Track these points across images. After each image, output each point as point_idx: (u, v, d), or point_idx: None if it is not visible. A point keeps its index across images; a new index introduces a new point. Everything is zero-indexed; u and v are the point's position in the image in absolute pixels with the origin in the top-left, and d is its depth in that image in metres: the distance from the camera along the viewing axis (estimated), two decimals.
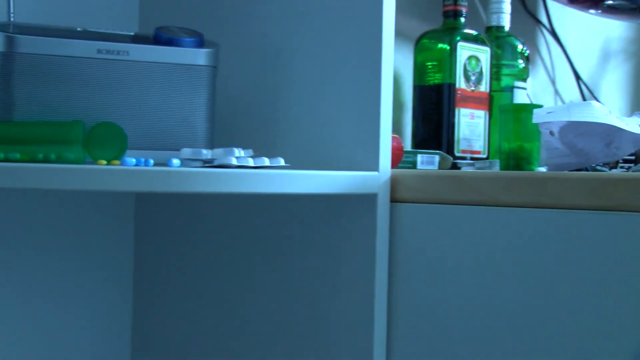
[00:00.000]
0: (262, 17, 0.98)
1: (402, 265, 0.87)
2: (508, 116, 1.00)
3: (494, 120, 1.20)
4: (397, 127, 1.30)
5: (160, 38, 0.89)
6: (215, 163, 0.80)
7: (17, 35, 0.83)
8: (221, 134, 0.99)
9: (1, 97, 0.83)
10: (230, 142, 0.99)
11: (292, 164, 0.93)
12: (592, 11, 1.45)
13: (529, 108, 0.99)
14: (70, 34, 0.85)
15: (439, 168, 1.06)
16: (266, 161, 0.82)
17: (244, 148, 0.98)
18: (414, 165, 1.04)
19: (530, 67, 1.40)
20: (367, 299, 0.87)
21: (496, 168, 1.04)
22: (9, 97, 0.83)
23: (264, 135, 0.97)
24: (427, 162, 1.05)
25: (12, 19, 0.89)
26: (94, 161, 0.81)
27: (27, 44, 0.83)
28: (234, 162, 0.80)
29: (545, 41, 1.59)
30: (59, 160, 0.79)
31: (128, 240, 1.12)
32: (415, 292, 0.86)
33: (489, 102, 1.19)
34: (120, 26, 1.09)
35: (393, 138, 0.95)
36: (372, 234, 0.87)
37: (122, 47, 0.86)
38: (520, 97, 1.24)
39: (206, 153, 0.81)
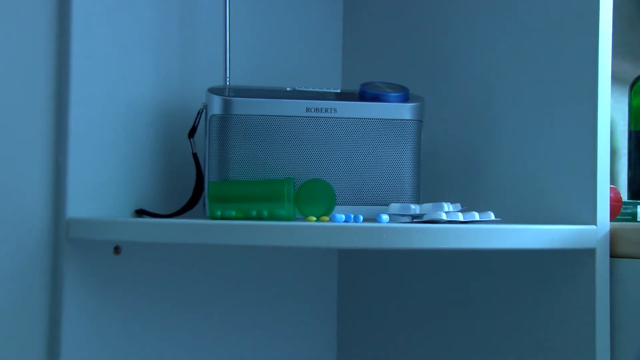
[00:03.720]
0: (467, 67, 0.96)
1: (625, 326, 0.81)
2: None
3: None
4: (610, 176, 1.23)
5: (366, 94, 0.89)
6: (425, 218, 0.79)
7: (233, 98, 0.86)
8: (427, 188, 0.98)
9: (218, 157, 0.87)
10: (435, 196, 0.97)
11: (501, 218, 0.90)
12: None
13: None
14: (280, 94, 0.88)
15: None
16: (476, 216, 0.80)
17: (451, 202, 0.96)
18: (633, 217, 0.97)
19: None
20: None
21: None
22: (225, 158, 0.86)
23: (471, 188, 0.95)
24: None
25: (227, 83, 0.94)
26: (304, 217, 0.82)
27: (242, 106, 0.86)
28: (444, 217, 0.78)
29: None
30: (271, 216, 0.81)
31: (332, 293, 1.13)
32: None
33: None
34: (325, 82, 1.11)
35: (610, 189, 0.90)
36: (590, 292, 0.82)
37: (330, 105, 0.88)
38: None
39: (414, 208, 0.80)
